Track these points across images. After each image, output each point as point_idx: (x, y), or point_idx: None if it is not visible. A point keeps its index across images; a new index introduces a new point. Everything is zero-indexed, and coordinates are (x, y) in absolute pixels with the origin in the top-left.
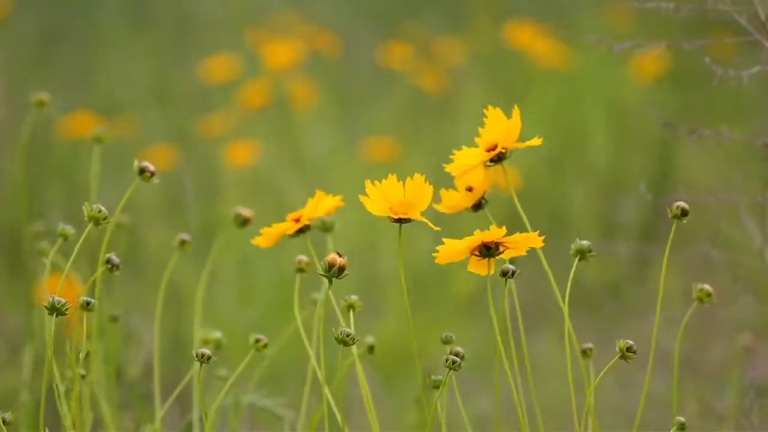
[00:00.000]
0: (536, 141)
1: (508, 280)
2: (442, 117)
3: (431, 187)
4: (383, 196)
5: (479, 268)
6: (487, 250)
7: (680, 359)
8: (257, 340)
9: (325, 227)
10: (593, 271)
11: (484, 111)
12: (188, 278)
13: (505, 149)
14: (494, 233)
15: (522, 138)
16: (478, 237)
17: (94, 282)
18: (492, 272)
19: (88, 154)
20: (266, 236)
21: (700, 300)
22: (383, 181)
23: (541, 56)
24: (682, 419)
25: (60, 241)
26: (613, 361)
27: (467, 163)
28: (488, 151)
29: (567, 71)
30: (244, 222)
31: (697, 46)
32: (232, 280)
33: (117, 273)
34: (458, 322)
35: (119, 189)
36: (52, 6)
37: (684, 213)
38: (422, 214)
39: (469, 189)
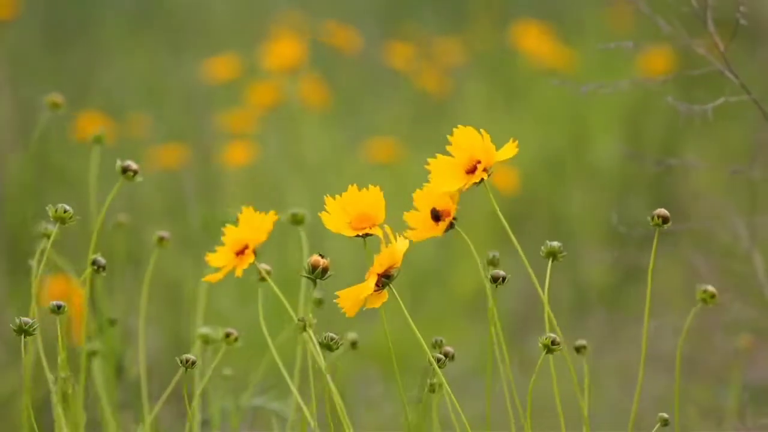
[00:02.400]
0: (511, 150)
1: (499, 285)
2: (442, 117)
3: (384, 201)
4: (343, 210)
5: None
6: (387, 278)
7: (679, 361)
8: (227, 335)
9: (296, 219)
10: (592, 274)
11: (453, 130)
12: (189, 278)
13: (488, 168)
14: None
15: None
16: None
17: (92, 283)
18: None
19: (89, 154)
20: (216, 275)
21: (704, 301)
22: (343, 194)
23: (542, 57)
24: (665, 415)
25: (44, 241)
26: (542, 357)
27: (447, 189)
28: (469, 172)
29: (568, 71)
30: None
31: (663, 81)
32: (232, 280)
33: (103, 273)
34: (458, 324)
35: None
36: (54, 6)
37: (665, 221)
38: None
39: (435, 214)
